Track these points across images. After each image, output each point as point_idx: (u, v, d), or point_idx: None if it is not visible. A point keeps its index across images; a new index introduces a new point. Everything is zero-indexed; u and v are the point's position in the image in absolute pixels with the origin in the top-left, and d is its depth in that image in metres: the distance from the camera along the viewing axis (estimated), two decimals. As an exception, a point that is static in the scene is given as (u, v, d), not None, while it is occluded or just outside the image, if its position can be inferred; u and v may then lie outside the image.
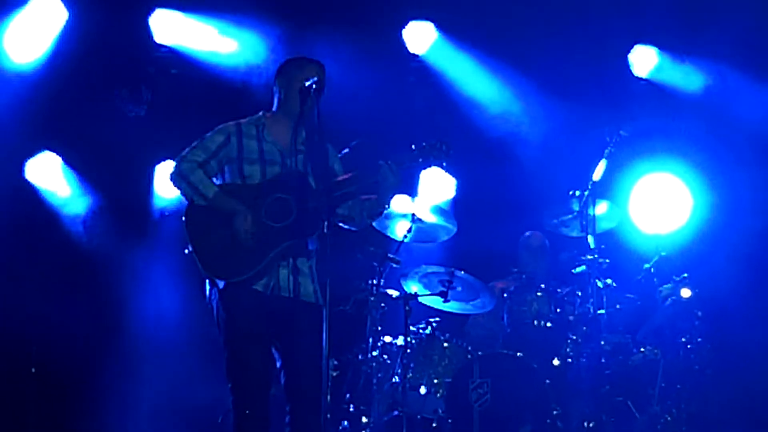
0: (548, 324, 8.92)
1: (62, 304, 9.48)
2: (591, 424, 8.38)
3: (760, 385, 9.28)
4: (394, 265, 8.53)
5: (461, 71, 10.52)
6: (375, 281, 8.50)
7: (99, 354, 9.78)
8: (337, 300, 8.07)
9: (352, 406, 8.59)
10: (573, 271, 8.84)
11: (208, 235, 6.38)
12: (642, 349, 8.71)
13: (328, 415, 6.04)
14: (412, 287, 8.67)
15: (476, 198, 10.28)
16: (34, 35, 9.63)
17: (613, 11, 9.96)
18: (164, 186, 9.92)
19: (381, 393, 8.49)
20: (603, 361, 8.56)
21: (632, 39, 10.45)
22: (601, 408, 8.46)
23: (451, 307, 8.78)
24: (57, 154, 10.06)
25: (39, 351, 9.70)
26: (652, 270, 8.97)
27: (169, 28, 9.97)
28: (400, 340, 8.51)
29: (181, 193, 6.50)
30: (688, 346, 8.62)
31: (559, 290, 9.00)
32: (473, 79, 10.49)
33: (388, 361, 8.62)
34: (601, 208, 8.92)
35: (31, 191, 10.01)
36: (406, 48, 10.39)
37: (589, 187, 8.74)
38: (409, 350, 8.43)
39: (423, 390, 8.59)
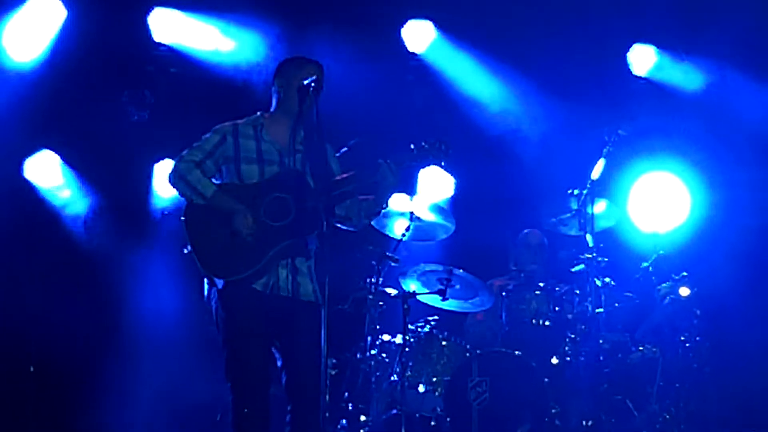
0: (547, 323, 8.92)
1: (61, 302, 9.48)
2: (590, 423, 8.39)
3: (759, 384, 9.29)
4: (393, 264, 8.54)
5: (460, 70, 10.52)
6: (374, 280, 8.51)
7: (98, 352, 9.77)
8: (336, 299, 8.08)
9: (350, 404, 8.60)
10: (571, 269, 8.84)
11: (208, 235, 6.39)
12: (641, 348, 8.72)
13: (327, 414, 6.05)
14: (411, 286, 8.67)
15: (475, 196, 10.28)
16: (33, 34, 9.63)
17: (612, 10, 9.97)
18: (163, 185, 9.92)
19: (380, 391, 8.51)
20: (601, 359, 8.56)
21: (631, 38, 10.46)
22: (599, 406, 8.46)
23: (450, 305, 8.78)
24: (56, 152, 10.06)
25: (38, 349, 9.69)
26: (651, 269, 8.97)
27: (168, 27, 9.96)
28: (398, 339, 8.51)
29: (180, 193, 6.51)
30: (687, 345, 8.62)
31: (557, 289, 9.01)
32: (472, 78, 10.49)
33: (387, 360, 8.63)
34: (599, 206, 8.92)
35: (30, 190, 10.00)
36: (405, 47, 10.39)
37: (588, 185, 8.75)
38: (407, 349, 8.43)
39: (422, 388, 8.59)
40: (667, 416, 8.46)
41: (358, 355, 8.61)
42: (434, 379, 8.64)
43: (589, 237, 8.72)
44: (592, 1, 9.93)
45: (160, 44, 10.01)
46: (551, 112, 10.29)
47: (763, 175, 9.87)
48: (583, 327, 8.68)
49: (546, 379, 8.51)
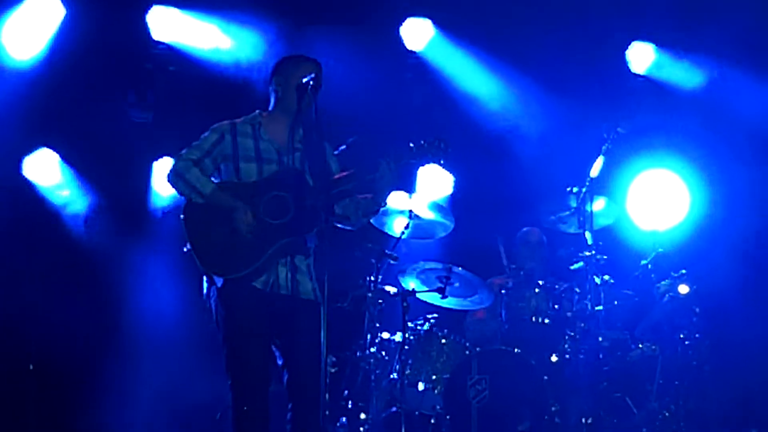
0: (546, 320, 8.93)
1: (61, 301, 9.47)
2: (589, 421, 8.39)
3: (758, 381, 9.29)
4: (392, 262, 8.54)
5: (459, 68, 10.52)
6: (373, 278, 8.51)
7: (98, 351, 9.76)
8: (335, 297, 8.07)
9: (350, 402, 8.61)
10: (571, 267, 8.85)
11: (207, 233, 6.38)
12: (640, 346, 8.72)
13: (327, 412, 6.05)
14: (410, 284, 8.68)
15: (474, 194, 10.27)
16: (32, 32, 9.62)
17: (611, 8, 9.97)
18: (162, 183, 9.90)
19: (379, 389, 8.51)
20: (601, 357, 8.57)
21: (629, 35, 10.45)
22: (599, 404, 8.47)
23: (449, 303, 8.78)
24: (55, 150, 10.05)
25: (37, 348, 9.68)
26: (650, 266, 8.97)
27: (167, 25, 9.95)
28: (398, 337, 8.52)
29: (179, 192, 6.50)
30: (686, 342, 8.63)
31: (557, 287, 9.02)
32: (471, 76, 10.49)
33: (386, 358, 8.63)
34: (598, 204, 8.92)
35: (29, 188, 10.00)
36: (404, 45, 10.39)
37: (587, 183, 8.75)
38: (407, 347, 8.44)
39: (421, 386, 8.60)
40: (667, 414, 8.47)
41: (358, 353, 8.60)
42: (434, 377, 8.64)
43: (588, 235, 8.72)
44: (591, -1, 9.96)
45: (158, 42, 10.00)
46: (550, 109, 10.29)
47: (762, 172, 9.87)
48: (582, 325, 8.68)
49: (545, 377, 8.52)
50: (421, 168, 10.06)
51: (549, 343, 8.82)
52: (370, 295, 8.51)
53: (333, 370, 8.39)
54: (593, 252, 8.65)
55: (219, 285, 6.38)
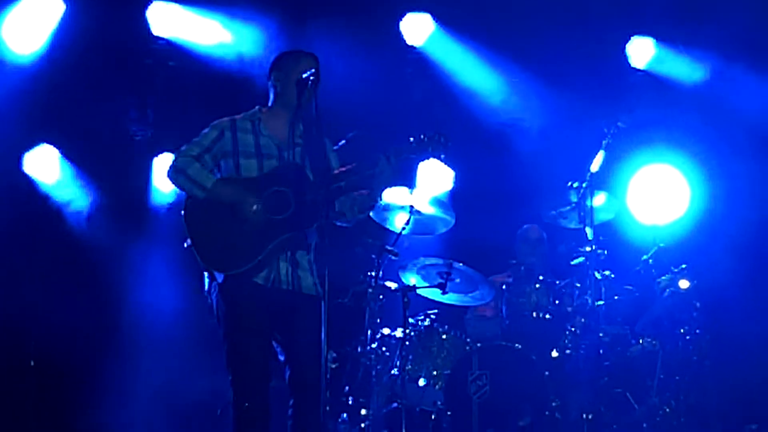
0: (547, 316, 8.93)
1: (61, 298, 9.47)
2: (590, 416, 8.37)
3: (759, 376, 9.29)
4: (393, 257, 8.52)
5: (459, 63, 10.53)
6: (373, 273, 8.50)
7: (98, 347, 9.77)
8: (336, 292, 8.07)
9: (351, 398, 8.59)
10: (571, 262, 8.84)
11: (207, 229, 6.38)
12: (640, 341, 8.72)
13: (328, 408, 6.05)
14: (411, 279, 8.68)
15: (474, 190, 10.27)
16: (32, 28, 9.62)
17: (611, 3, 9.99)
18: (163, 179, 9.90)
19: (380, 385, 8.50)
20: (601, 352, 8.55)
21: (629, 30, 10.45)
22: (599, 399, 8.46)
23: (450, 299, 8.78)
24: (55, 146, 10.04)
25: (38, 345, 9.69)
26: (651, 261, 8.98)
27: (167, 20, 9.96)
28: (398, 333, 8.51)
29: (180, 187, 6.50)
30: (687, 338, 8.63)
31: (557, 282, 9.01)
32: (471, 71, 10.50)
33: (387, 354, 8.62)
34: (599, 199, 8.91)
35: (29, 184, 9.99)
36: (404, 40, 10.40)
37: (588, 178, 8.73)
38: (407, 342, 8.43)
39: (422, 382, 8.59)
40: (667, 409, 8.47)
41: (359, 349, 8.60)
42: (434, 373, 8.64)
43: (588, 230, 8.70)
44: (591, -6, 9.96)
45: (158, 38, 10.01)
46: (550, 104, 10.29)
47: (762, 167, 9.86)
48: (583, 320, 8.68)
49: (546, 373, 8.52)
50: (421, 163, 10.05)
51: (549, 339, 8.82)
52: (370, 290, 8.50)
53: (334, 366, 8.39)
54: (594, 247, 8.63)
55: (220, 281, 6.37)
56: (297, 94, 6.48)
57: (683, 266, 8.79)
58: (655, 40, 10.44)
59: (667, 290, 8.79)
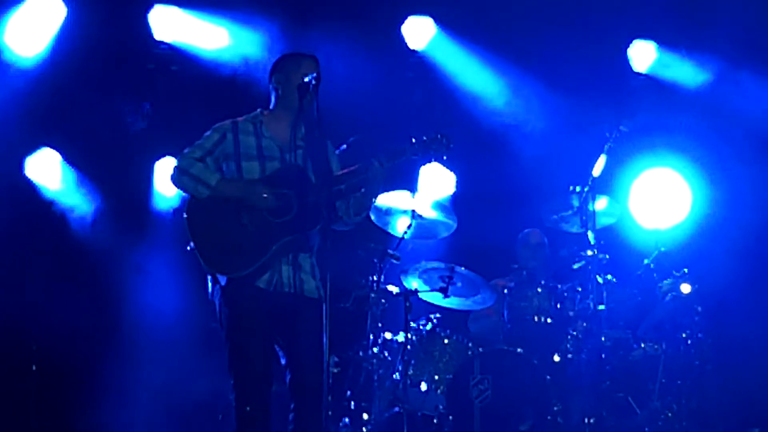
0: (548, 320, 8.92)
1: (63, 300, 9.46)
2: (591, 420, 8.38)
3: (760, 380, 9.29)
4: (395, 261, 8.53)
5: (460, 67, 10.52)
6: (375, 277, 8.50)
7: (100, 350, 9.76)
8: (338, 296, 8.08)
9: (353, 402, 8.59)
10: (573, 266, 8.84)
11: (210, 231, 6.38)
12: (642, 345, 8.71)
13: (330, 412, 6.04)
14: (413, 283, 8.67)
15: (476, 194, 10.26)
16: (34, 31, 9.62)
17: (613, 6, 9.97)
18: (164, 182, 9.91)
19: (382, 390, 8.50)
20: (603, 356, 8.55)
21: (631, 34, 10.45)
22: (601, 404, 8.46)
23: (452, 303, 8.78)
24: (56, 150, 10.04)
25: (40, 347, 9.68)
26: (652, 265, 8.97)
27: (169, 25, 9.96)
28: (400, 337, 8.51)
29: (183, 189, 6.50)
30: (689, 342, 8.63)
31: (559, 286, 9.00)
32: (473, 75, 10.49)
33: (389, 358, 8.62)
34: (600, 203, 8.92)
35: (31, 188, 9.99)
36: (406, 43, 10.39)
37: (589, 182, 8.74)
38: (409, 347, 8.42)
39: (424, 386, 8.59)
40: (669, 413, 8.46)
41: (360, 353, 8.59)
42: (436, 377, 8.64)
43: (590, 234, 8.71)
44: (592, -3, 9.96)
45: (160, 42, 10.01)
46: (552, 108, 10.29)
47: (764, 171, 9.86)
48: (584, 324, 8.69)
49: (548, 377, 8.51)
50: (423, 166, 10.05)
51: (551, 343, 8.82)
52: (372, 295, 8.50)
53: (335, 371, 8.38)
54: (595, 251, 8.65)
55: (223, 284, 6.38)
56: (299, 96, 6.49)
57: (685, 270, 8.78)
58: (656, 44, 10.43)
59: (669, 294, 8.78)
